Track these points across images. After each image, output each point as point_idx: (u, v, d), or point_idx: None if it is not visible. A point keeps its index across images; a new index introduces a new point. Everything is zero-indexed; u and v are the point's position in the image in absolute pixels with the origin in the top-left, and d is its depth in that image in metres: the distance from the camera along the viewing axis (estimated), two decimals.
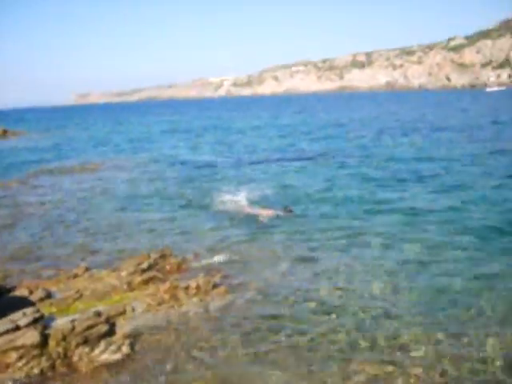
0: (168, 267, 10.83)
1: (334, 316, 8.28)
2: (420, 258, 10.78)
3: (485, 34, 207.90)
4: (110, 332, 7.80)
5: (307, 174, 21.74)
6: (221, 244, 12.41)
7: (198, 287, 9.40)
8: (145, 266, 10.57)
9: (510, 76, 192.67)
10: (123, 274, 10.27)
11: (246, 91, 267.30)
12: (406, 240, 11.94)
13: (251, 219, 14.54)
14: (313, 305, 8.74)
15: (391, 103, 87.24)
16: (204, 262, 11.15)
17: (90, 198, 18.89)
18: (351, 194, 17.31)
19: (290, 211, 14.88)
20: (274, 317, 8.35)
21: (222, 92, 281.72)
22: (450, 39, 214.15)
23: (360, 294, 9.13)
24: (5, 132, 52.62)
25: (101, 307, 8.72)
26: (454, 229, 12.63)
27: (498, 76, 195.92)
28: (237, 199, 16.71)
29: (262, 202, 16.25)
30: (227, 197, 17.13)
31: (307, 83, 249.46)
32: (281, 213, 14.78)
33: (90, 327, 7.64)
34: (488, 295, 8.74)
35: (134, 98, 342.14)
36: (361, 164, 23.47)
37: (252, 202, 16.26)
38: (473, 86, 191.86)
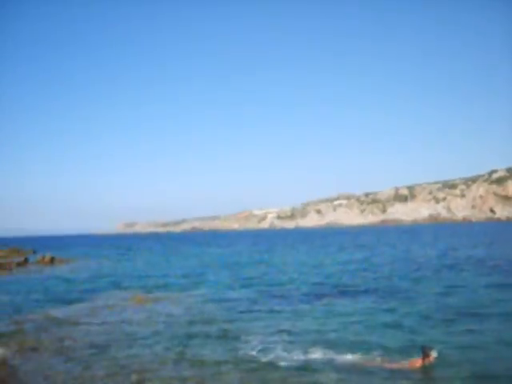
0: None
1: None
2: None
3: None
4: None
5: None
6: None
7: None
8: None
9: None
10: None
11: (289, 224, 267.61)
12: None
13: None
14: None
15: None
16: None
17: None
18: None
19: (430, 356, 10.71)
20: None
21: (265, 224, 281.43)
22: (492, 172, 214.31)
23: None
24: (52, 259, 51.42)
25: None
26: None
27: None
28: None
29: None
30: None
31: (350, 216, 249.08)
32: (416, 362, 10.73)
33: None
34: None
35: (179, 228, 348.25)
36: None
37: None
38: None
